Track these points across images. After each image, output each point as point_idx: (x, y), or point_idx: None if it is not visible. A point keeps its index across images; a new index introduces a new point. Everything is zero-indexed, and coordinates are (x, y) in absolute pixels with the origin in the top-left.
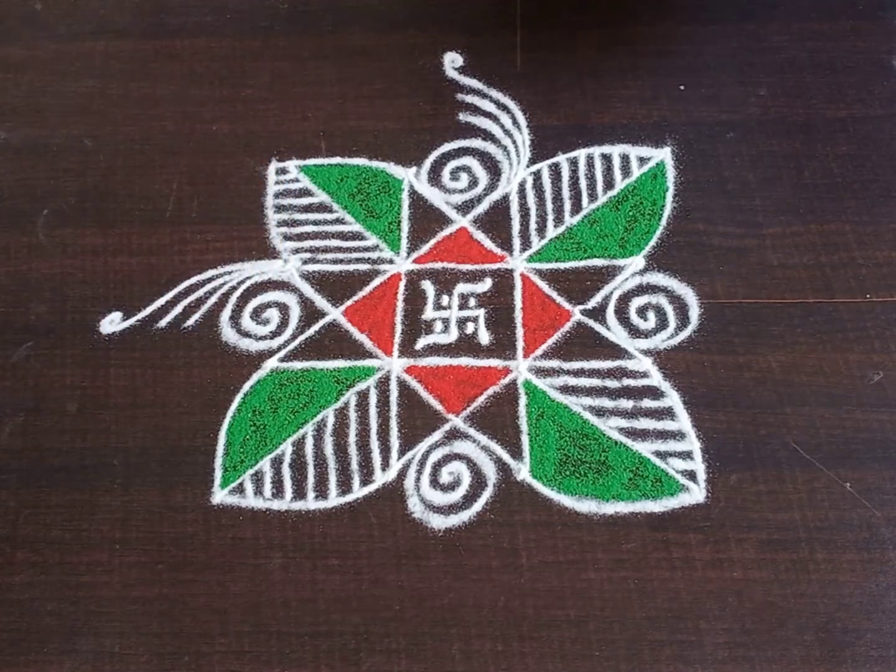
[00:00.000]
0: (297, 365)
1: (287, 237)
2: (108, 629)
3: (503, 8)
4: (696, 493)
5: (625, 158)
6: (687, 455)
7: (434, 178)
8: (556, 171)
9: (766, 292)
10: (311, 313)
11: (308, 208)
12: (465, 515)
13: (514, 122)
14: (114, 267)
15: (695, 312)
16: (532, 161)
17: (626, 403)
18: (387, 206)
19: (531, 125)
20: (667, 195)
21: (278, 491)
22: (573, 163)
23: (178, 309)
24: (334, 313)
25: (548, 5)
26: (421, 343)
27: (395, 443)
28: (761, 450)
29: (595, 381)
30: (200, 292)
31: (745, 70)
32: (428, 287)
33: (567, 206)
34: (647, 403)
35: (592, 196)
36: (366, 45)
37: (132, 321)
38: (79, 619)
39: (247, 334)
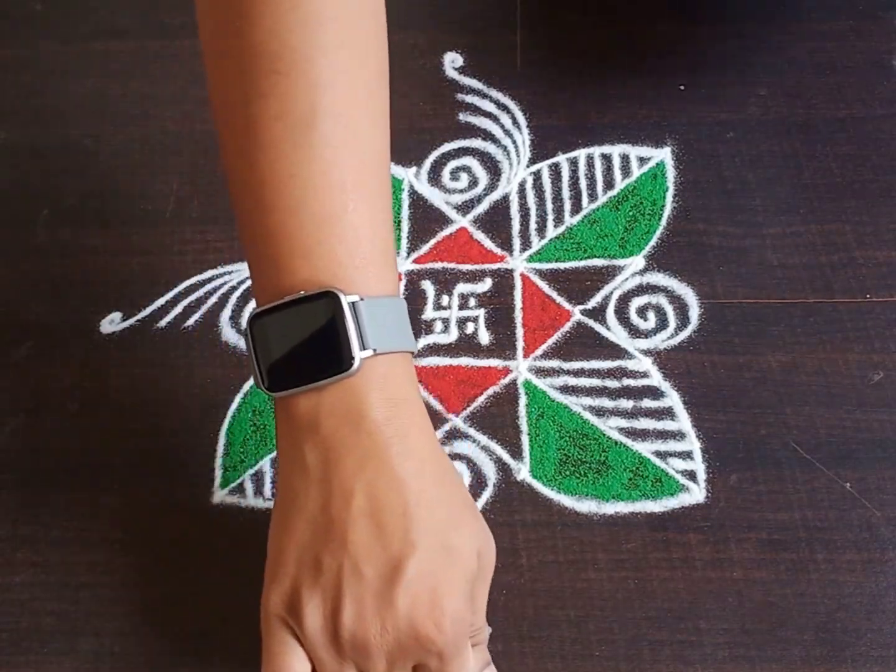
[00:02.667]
0: None
1: None
2: (108, 629)
3: (503, 8)
4: (696, 493)
5: (625, 158)
6: (687, 455)
7: (434, 178)
8: (556, 171)
9: (766, 292)
10: None
11: None
12: None
13: (514, 122)
14: (114, 267)
15: (695, 312)
16: (532, 161)
17: (626, 403)
18: None
19: (531, 125)
20: (667, 195)
21: None
22: (573, 163)
23: (178, 309)
24: None
25: (548, 5)
26: (421, 343)
27: None
28: (761, 450)
29: (595, 381)
30: (200, 292)
31: (745, 70)
32: (428, 287)
33: (567, 206)
34: (647, 403)
35: (592, 196)
36: None
37: (132, 321)
38: (79, 619)
39: None
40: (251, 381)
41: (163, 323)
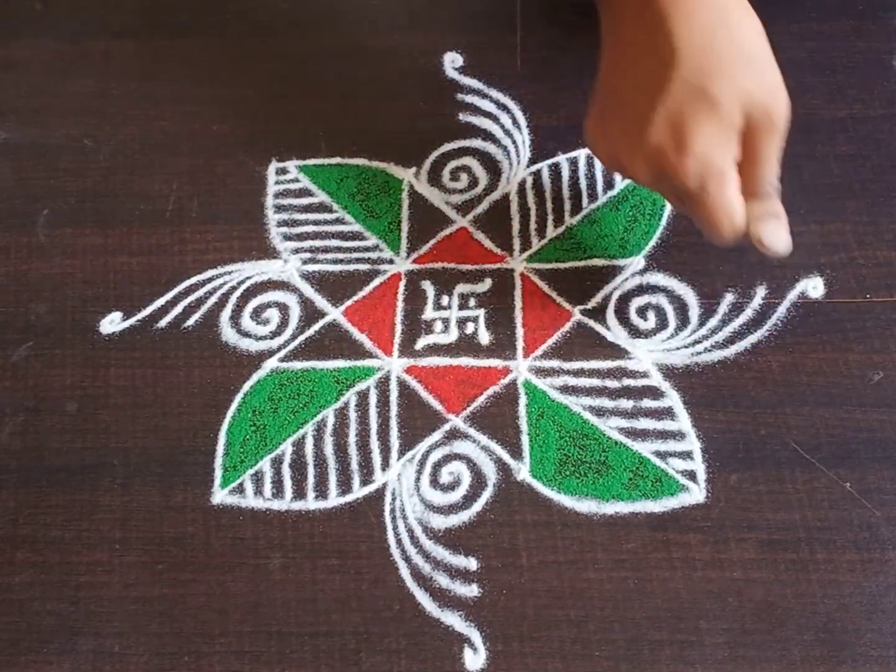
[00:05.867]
0: (297, 365)
1: (287, 237)
2: (108, 629)
3: (503, 8)
4: (696, 493)
5: None
6: (687, 455)
7: (434, 178)
8: (556, 171)
9: None
10: (311, 313)
11: (308, 208)
12: (465, 515)
13: (514, 122)
14: (114, 267)
15: (695, 312)
16: (532, 161)
17: (626, 403)
18: (387, 206)
19: (531, 125)
20: None
21: (278, 491)
22: (573, 163)
23: (178, 309)
24: (334, 313)
25: (548, 5)
26: (421, 343)
27: (395, 443)
28: (761, 450)
29: (595, 381)
30: (200, 292)
31: None
32: (428, 287)
33: (567, 206)
34: (647, 403)
35: (592, 196)
36: (366, 45)
37: (132, 321)
38: (79, 619)
39: (247, 334)
40: (251, 381)
41: (163, 323)
